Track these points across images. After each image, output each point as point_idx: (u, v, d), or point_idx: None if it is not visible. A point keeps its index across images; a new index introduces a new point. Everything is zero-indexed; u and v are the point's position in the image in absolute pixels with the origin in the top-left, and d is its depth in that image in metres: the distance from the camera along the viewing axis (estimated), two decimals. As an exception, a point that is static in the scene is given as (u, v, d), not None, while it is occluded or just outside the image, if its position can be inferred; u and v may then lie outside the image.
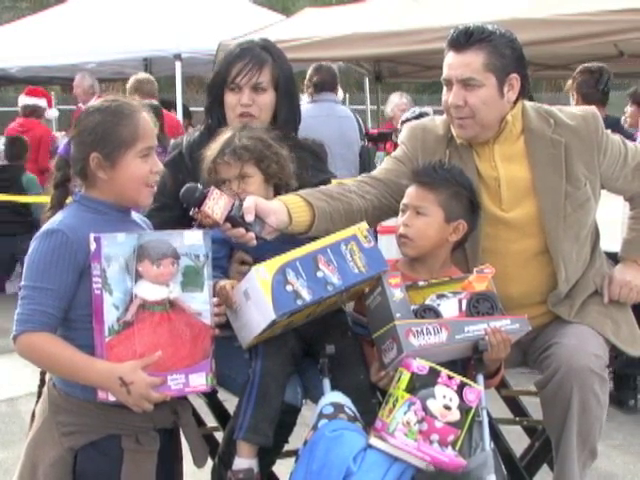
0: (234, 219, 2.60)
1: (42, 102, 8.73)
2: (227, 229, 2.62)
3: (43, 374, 2.61)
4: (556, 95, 16.35)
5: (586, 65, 5.84)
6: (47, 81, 12.33)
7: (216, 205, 2.59)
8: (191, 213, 2.63)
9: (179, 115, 9.22)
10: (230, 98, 3.05)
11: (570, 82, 5.88)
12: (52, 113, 8.94)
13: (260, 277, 2.49)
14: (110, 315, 2.32)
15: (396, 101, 8.62)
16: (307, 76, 6.89)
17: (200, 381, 2.45)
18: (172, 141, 3.37)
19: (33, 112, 8.73)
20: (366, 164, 6.74)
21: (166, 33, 9.63)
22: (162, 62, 10.72)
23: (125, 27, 10.06)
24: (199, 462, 2.62)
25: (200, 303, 2.45)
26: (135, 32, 9.94)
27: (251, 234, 2.63)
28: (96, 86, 9.11)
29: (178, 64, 9.25)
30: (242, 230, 2.62)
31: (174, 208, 2.88)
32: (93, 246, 2.34)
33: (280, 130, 2.97)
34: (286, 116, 3.09)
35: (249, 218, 2.61)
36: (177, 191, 2.71)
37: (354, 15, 8.46)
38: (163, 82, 16.38)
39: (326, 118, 6.39)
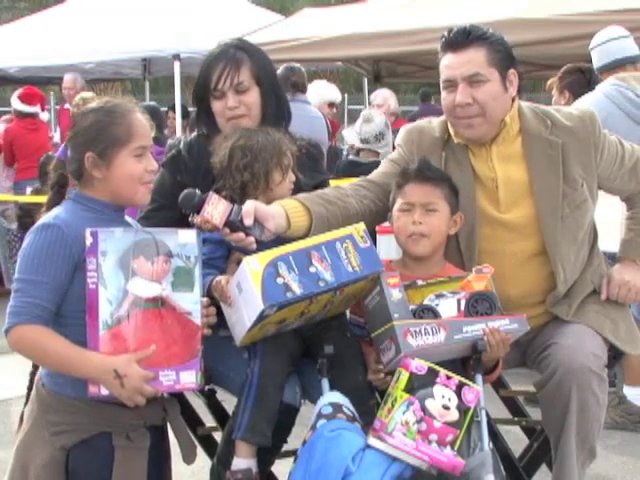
0: (233, 223, 2.60)
1: (36, 109, 8.84)
2: (226, 234, 2.62)
3: (32, 375, 2.61)
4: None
5: (575, 65, 5.80)
6: (46, 81, 12.32)
7: (215, 210, 2.59)
8: (190, 219, 2.64)
9: (178, 115, 9.24)
10: (216, 105, 3.01)
11: (555, 80, 5.83)
12: (44, 116, 9.07)
13: (251, 268, 2.49)
14: (104, 309, 2.34)
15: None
16: (282, 76, 6.88)
17: (190, 379, 2.46)
18: (168, 141, 3.38)
19: (28, 115, 8.81)
20: (332, 164, 6.79)
21: (165, 33, 9.64)
22: (161, 62, 10.74)
23: (124, 27, 10.07)
24: (188, 459, 2.63)
25: (190, 303, 2.48)
26: (134, 32, 9.94)
27: (251, 238, 2.63)
28: (85, 87, 9.27)
29: (177, 64, 9.25)
30: (241, 234, 2.62)
31: (172, 209, 2.87)
32: (89, 241, 2.35)
33: (271, 127, 2.95)
34: (274, 112, 3.04)
35: (248, 222, 2.61)
36: (175, 191, 2.70)
37: (353, 15, 8.47)
38: (162, 82, 16.43)
39: (300, 118, 6.43)
